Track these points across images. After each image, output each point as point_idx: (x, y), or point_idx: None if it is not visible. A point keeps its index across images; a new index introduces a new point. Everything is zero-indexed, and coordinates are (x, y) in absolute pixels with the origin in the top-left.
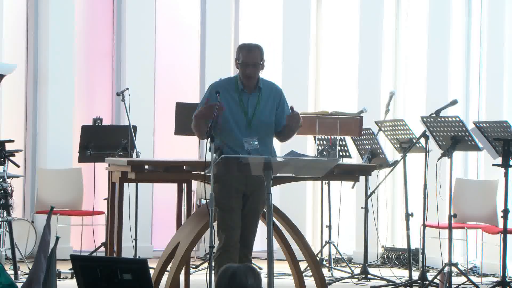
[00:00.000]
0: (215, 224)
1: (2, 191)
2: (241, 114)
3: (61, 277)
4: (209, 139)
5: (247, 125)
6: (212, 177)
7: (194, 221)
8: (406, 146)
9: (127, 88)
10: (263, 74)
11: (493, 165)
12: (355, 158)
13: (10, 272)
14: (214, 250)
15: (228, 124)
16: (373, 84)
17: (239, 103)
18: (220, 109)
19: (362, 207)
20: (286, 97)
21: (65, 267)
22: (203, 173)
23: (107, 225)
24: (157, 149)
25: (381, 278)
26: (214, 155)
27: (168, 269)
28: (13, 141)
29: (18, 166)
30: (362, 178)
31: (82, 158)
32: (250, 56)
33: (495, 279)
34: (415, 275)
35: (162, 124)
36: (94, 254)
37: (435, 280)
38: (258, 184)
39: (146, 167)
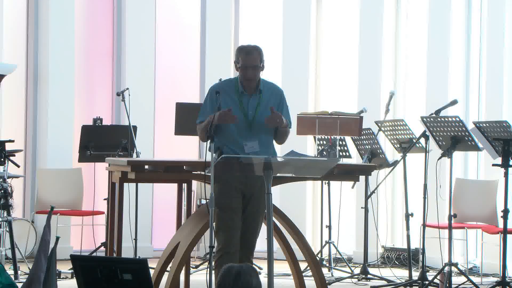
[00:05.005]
0: (215, 224)
1: (2, 191)
2: (242, 116)
3: (61, 277)
4: (209, 139)
5: (248, 127)
6: (212, 177)
7: (194, 221)
8: (406, 146)
9: (127, 88)
10: (263, 74)
11: (493, 165)
12: (355, 158)
13: (10, 272)
14: (214, 250)
15: (228, 126)
16: (373, 84)
17: (239, 105)
18: (232, 119)
19: (362, 207)
20: (286, 97)
21: (65, 267)
22: (203, 173)
23: (107, 225)
24: (157, 149)
25: (381, 278)
26: (214, 155)
27: (168, 269)
28: (13, 141)
29: (18, 166)
30: (362, 178)
31: (82, 158)
32: (249, 59)
33: (495, 279)
34: (415, 275)
35: (162, 124)
36: (94, 254)
37: (435, 280)
38: (259, 185)
39: (146, 167)
